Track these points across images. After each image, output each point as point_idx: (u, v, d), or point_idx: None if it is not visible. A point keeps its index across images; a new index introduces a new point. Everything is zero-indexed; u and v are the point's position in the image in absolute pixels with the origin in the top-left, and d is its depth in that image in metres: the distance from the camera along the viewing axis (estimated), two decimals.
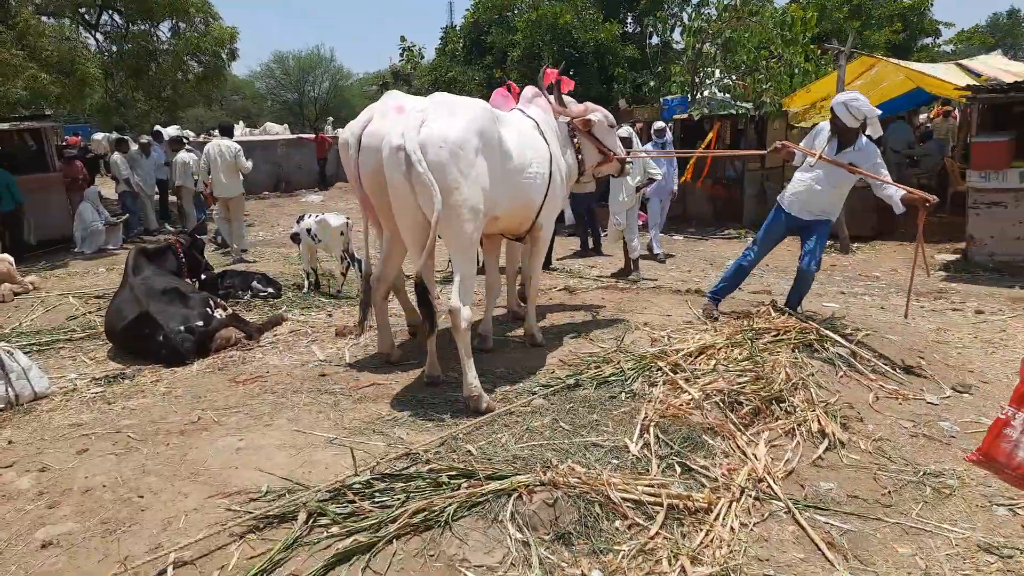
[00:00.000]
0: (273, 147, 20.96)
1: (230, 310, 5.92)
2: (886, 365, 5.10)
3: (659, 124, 10.49)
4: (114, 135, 16.69)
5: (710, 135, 12.52)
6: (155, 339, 5.23)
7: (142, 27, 14.48)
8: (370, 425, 3.84)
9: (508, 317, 6.10)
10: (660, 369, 4.55)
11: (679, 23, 14.63)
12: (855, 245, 10.69)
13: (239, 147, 10.18)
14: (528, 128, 4.94)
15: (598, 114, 5.60)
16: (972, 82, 9.66)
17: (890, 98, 12.40)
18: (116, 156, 12.77)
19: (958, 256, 9.29)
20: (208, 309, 5.61)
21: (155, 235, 12.85)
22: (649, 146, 9.65)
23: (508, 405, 4.03)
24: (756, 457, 3.67)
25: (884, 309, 7.26)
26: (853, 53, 11.85)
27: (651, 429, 3.76)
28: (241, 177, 10.23)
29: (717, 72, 13.89)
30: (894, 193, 5.29)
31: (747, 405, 4.14)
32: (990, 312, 6.97)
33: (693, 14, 13.27)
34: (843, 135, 5.39)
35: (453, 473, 3.17)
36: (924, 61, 15.97)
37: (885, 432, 4.17)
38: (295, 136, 22.98)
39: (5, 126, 11.48)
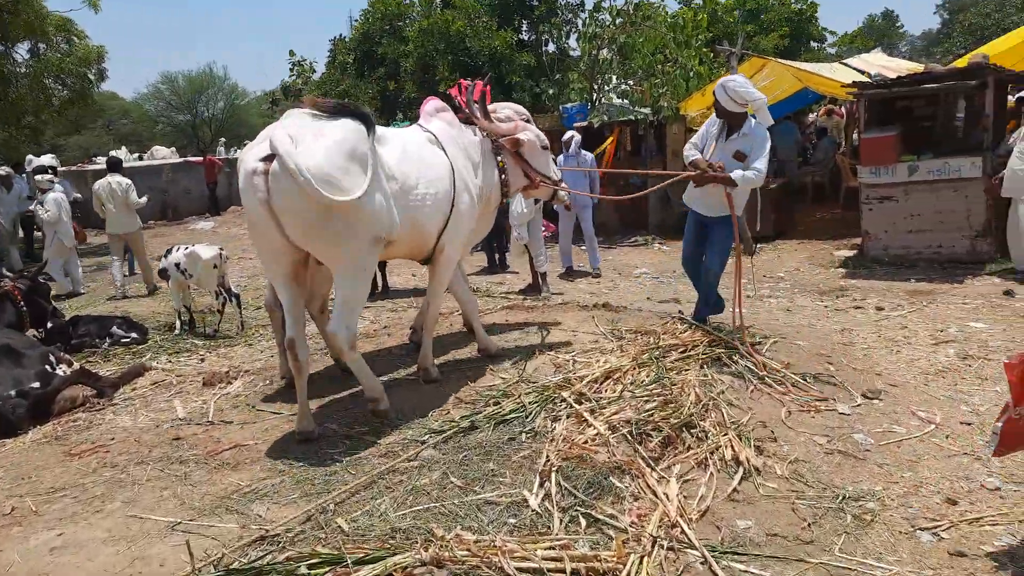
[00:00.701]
0: (157, 172, 19.64)
1: (77, 365, 5.17)
2: (796, 374, 4.91)
3: (570, 134, 9.57)
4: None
5: (609, 141, 12.40)
6: None
7: None
8: (224, 501, 3.26)
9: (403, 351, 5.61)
10: (564, 400, 4.16)
11: (574, 29, 14.54)
12: (757, 246, 10.75)
13: (130, 182, 9.80)
14: (420, 145, 4.56)
15: (528, 133, 5.21)
16: (858, 79, 9.87)
17: (778, 101, 12.66)
18: None
19: (855, 252, 9.43)
20: (48, 367, 4.86)
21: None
22: (561, 159, 9.13)
23: (391, 461, 3.53)
24: (668, 498, 3.31)
25: (790, 311, 7.18)
26: (744, 55, 12.00)
27: (553, 475, 3.34)
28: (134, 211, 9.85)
29: (614, 78, 13.84)
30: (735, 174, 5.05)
31: (656, 436, 3.79)
32: (890, 308, 6.99)
33: (588, 20, 13.15)
34: (730, 120, 5.17)
35: (316, 561, 2.65)
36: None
37: (800, 451, 3.91)
38: (182, 160, 21.64)
39: None
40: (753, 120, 5.18)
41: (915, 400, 4.69)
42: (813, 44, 26.13)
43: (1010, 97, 9.65)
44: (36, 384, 4.65)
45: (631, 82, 13.22)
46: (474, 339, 5.43)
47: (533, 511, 3.09)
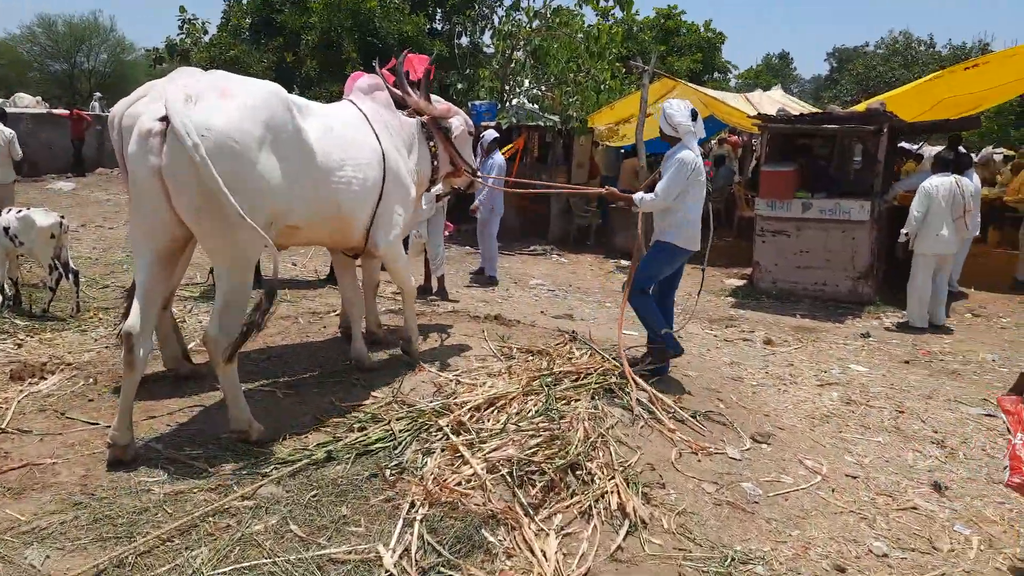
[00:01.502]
0: (16, 122, 17.48)
1: None
2: (687, 411, 4.68)
3: (492, 133, 8.96)
4: None
5: (513, 145, 12.06)
6: None
7: None
8: None
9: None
10: (440, 430, 3.69)
11: (489, 26, 14.11)
12: None
13: (13, 132, 9.18)
14: (350, 123, 4.11)
15: (459, 119, 4.94)
16: (761, 112, 9.99)
17: None
18: None
19: (744, 282, 9.51)
20: None
21: None
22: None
23: (222, 498, 2.92)
24: (545, 556, 2.90)
25: (681, 339, 7.01)
26: (656, 74, 11.98)
27: (417, 526, 2.86)
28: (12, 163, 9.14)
29: (527, 82, 13.52)
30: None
31: (539, 479, 3.39)
32: (778, 342, 6.99)
33: (504, 18, 12.76)
34: (667, 142, 5.02)
35: None
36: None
37: (689, 501, 3.63)
38: (46, 111, 19.44)
39: None
40: (678, 147, 4.89)
41: (802, 447, 4.56)
42: (717, 75, 27.09)
43: (911, 146, 10.06)
44: None
45: (543, 87, 12.96)
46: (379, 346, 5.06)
47: (387, 573, 2.58)
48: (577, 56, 12.34)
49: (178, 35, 15.99)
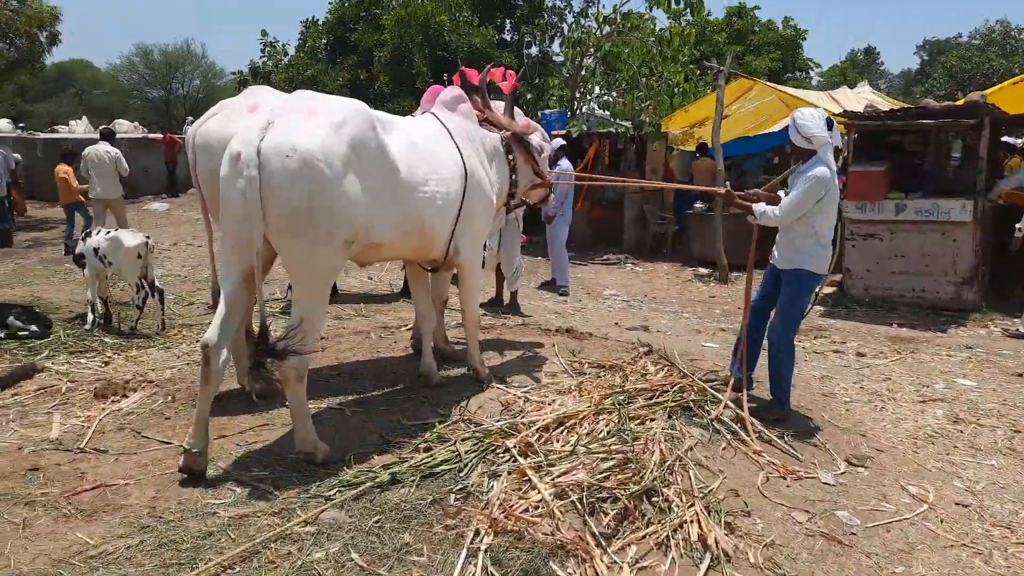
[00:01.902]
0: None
1: None
2: (772, 430, 4.37)
3: (558, 141, 8.50)
4: None
5: (587, 155, 11.86)
6: None
7: None
8: (59, 568, 2.56)
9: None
10: (507, 451, 3.54)
11: (558, 34, 13.97)
12: (734, 274, 10.26)
13: (119, 152, 10.36)
14: (431, 136, 4.10)
15: (539, 134, 4.98)
16: (846, 109, 9.46)
17: (769, 130, 12.30)
18: None
19: (834, 289, 8.98)
20: None
21: None
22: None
23: (285, 523, 2.87)
24: None
25: (766, 350, 6.64)
26: (732, 74, 11.56)
27: (481, 557, 2.72)
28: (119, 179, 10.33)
29: (597, 88, 13.31)
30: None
31: (611, 506, 3.19)
32: (872, 355, 6.52)
33: (573, 25, 12.59)
34: (798, 154, 4.52)
35: None
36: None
37: (777, 531, 3.35)
38: (141, 136, 20.56)
39: None
40: (813, 161, 4.36)
41: (904, 470, 4.19)
42: (799, 73, 26.03)
43: (1016, 140, 9.31)
44: None
45: (614, 93, 12.71)
46: (465, 362, 4.96)
47: None
48: (649, 60, 12.05)
49: (260, 58, 16.69)
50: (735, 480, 3.75)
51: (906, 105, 11.06)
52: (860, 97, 12.37)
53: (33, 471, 3.31)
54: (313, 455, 3.44)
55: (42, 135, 18.46)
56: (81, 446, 3.59)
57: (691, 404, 4.37)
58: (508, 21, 14.71)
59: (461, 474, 3.34)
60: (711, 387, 4.64)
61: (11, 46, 12.71)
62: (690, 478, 3.60)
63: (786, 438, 4.31)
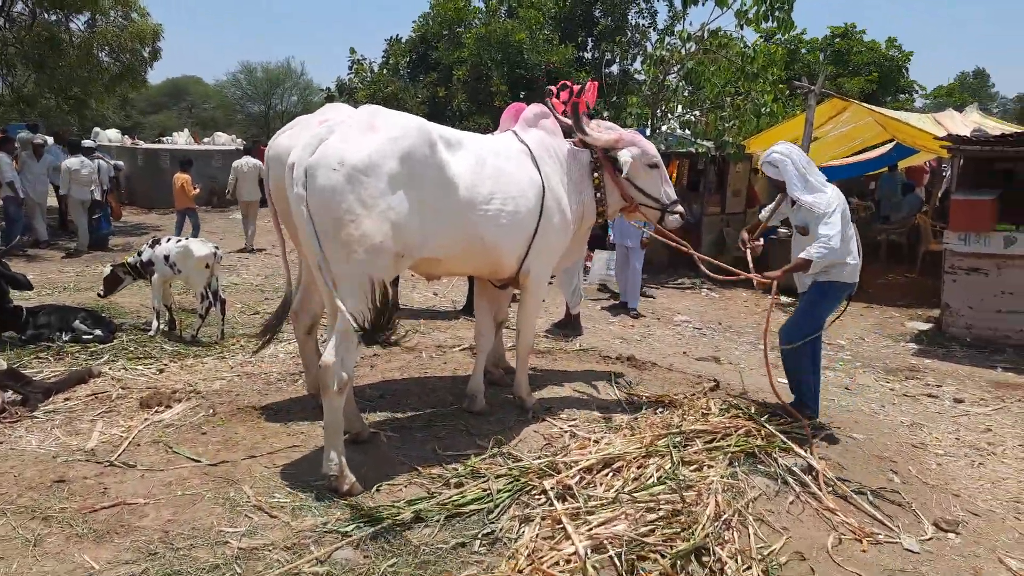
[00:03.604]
0: (208, 158, 19.47)
1: (4, 364, 4.50)
2: (848, 484, 3.91)
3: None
4: (23, 134, 15.14)
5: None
6: None
7: (52, 17, 12.99)
8: None
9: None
10: (544, 493, 3.26)
11: (641, 52, 13.62)
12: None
13: (259, 163, 11.62)
14: (506, 154, 4.01)
15: (635, 149, 4.50)
16: (951, 132, 8.71)
17: (865, 148, 11.59)
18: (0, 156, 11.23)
19: (931, 325, 8.23)
20: None
21: (44, 247, 11.35)
22: None
23: (296, 560, 2.68)
24: None
25: (849, 391, 6.09)
26: (824, 94, 10.92)
27: None
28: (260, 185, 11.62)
29: (680, 107, 12.86)
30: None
31: (654, 565, 2.85)
32: (971, 401, 5.86)
33: (657, 43, 12.21)
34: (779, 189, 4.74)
35: None
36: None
37: None
38: (235, 148, 21.47)
39: None
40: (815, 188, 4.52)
41: (1003, 539, 3.66)
42: (900, 95, 24.63)
43: None
44: None
45: (696, 112, 12.24)
46: (515, 384, 4.71)
47: None
48: (736, 79, 11.53)
49: (347, 75, 17.13)
50: (801, 541, 3.34)
51: (1020, 129, 10.13)
52: (968, 120, 11.45)
53: (59, 483, 3.27)
54: (338, 482, 3.27)
55: (144, 145, 19.55)
56: (112, 459, 3.53)
57: (755, 450, 3.96)
58: (589, 39, 14.48)
59: (490, 516, 3.08)
60: (780, 429, 4.21)
61: (116, 60, 13.48)
62: (749, 536, 3.23)
63: (865, 494, 3.85)
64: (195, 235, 11.59)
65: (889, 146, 12.93)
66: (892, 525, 3.64)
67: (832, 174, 12.14)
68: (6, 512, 2.99)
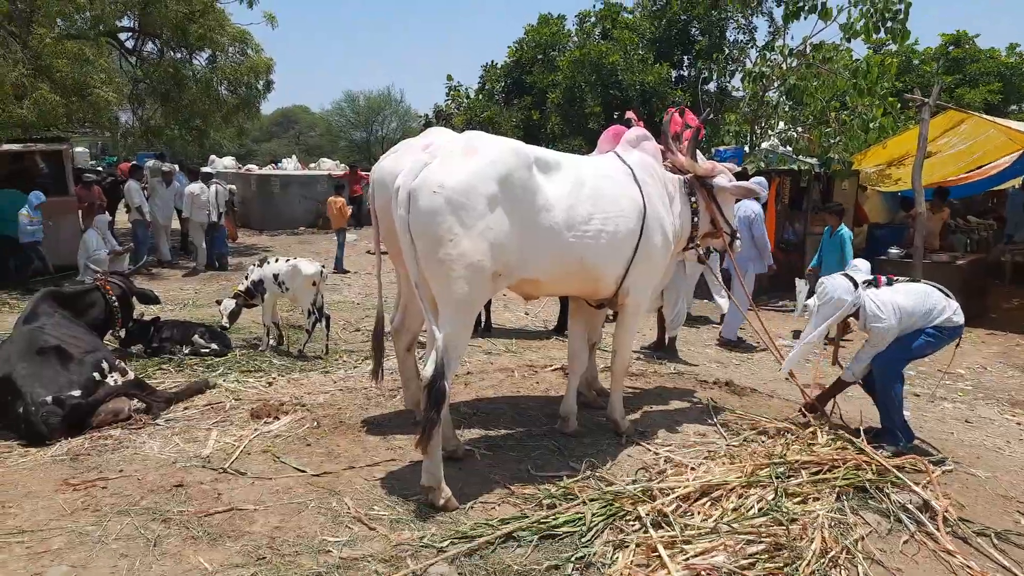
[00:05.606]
0: (314, 183, 20.48)
1: (131, 375, 4.86)
2: (970, 525, 3.62)
3: (761, 178, 8.31)
4: (152, 163, 16.46)
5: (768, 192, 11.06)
6: (14, 410, 4.19)
7: (178, 55, 14.12)
8: None
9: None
10: (638, 520, 3.20)
11: (740, 68, 13.30)
12: None
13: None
14: (607, 175, 4.07)
15: (724, 177, 4.73)
16: None
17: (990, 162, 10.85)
18: (130, 183, 12.25)
19: None
20: (97, 374, 4.56)
21: (166, 266, 12.29)
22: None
23: (393, 573, 2.74)
24: None
25: (970, 424, 5.66)
26: (939, 107, 10.29)
27: None
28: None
29: (781, 124, 12.45)
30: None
31: None
32: None
33: (757, 59, 11.90)
34: None
35: None
36: None
37: None
38: (340, 173, 22.47)
39: (18, 147, 11.06)
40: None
41: None
42: None
43: None
44: (77, 392, 4.36)
45: (799, 129, 11.81)
46: (607, 407, 4.69)
47: None
48: (842, 93, 11.06)
49: (445, 100, 17.68)
50: None
51: None
52: None
53: (178, 487, 3.50)
54: (435, 498, 3.33)
55: (257, 171, 20.78)
56: (225, 466, 3.75)
57: (866, 484, 3.74)
58: (686, 57, 14.30)
59: (583, 539, 3.05)
60: (892, 462, 3.96)
61: (234, 93, 14.45)
62: (858, 575, 3.03)
63: (989, 536, 3.55)
64: (340, 253, 12.78)
65: (1009, 159, 12.02)
66: (1019, 572, 3.34)
67: (954, 192, 11.41)
68: (130, 512, 3.23)
